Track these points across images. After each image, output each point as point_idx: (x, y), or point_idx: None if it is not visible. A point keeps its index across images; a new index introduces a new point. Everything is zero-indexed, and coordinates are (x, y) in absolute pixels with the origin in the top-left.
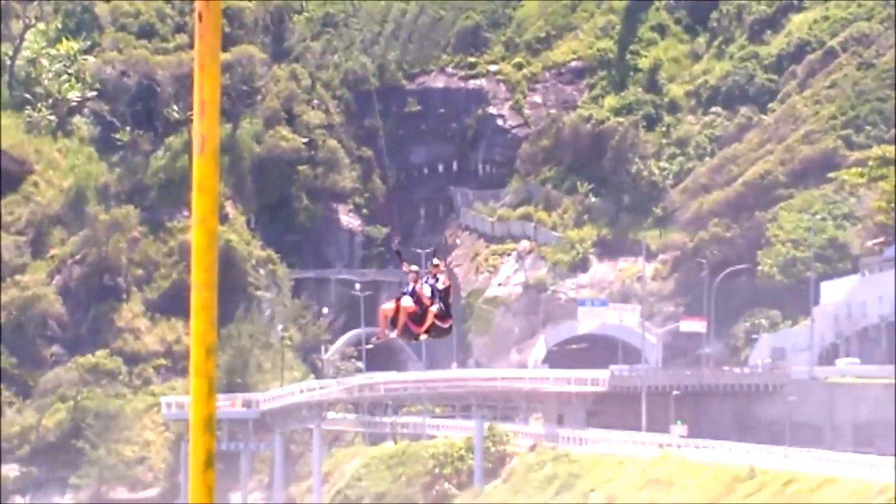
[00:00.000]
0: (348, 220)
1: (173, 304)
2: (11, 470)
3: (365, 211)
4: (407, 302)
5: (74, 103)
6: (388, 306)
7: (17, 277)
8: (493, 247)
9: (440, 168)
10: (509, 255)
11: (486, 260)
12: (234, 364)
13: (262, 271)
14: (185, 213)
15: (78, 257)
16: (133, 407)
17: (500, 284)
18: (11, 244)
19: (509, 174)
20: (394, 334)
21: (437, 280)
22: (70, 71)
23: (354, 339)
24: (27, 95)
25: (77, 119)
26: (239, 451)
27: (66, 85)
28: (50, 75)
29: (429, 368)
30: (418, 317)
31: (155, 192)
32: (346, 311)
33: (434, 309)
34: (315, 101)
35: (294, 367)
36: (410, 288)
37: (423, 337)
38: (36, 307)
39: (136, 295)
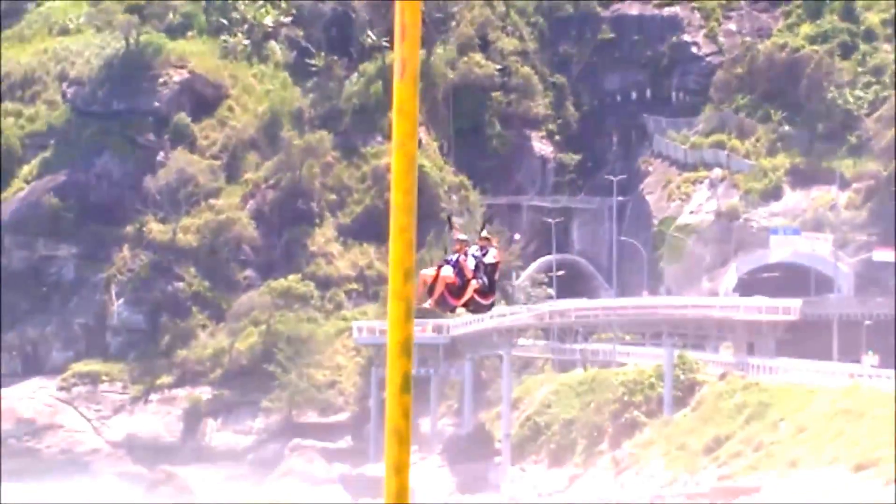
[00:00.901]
0: (541, 146)
1: (366, 230)
2: (204, 392)
3: (557, 138)
4: (447, 272)
5: (269, 29)
6: (428, 272)
7: (212, 201)
8: (686, 174)
9: (633, 95)
10: (702, 182)
11: (679, 188)
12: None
13: (454, 197)
14: (379, 139)
15: (272, 182)
16: (324, 331)
17: (692, 212)
18: (206, 168)
19: (703, 102)
20: (428, 304)
21: (485, 253)
22: None
23: (545, 266)
24: (223, 21)
25: (272, 44)
26: (429, 376)
27: (262, 10)
28: (246, 1)
29: (620, 296)
30: (457, 289)
31: (349, 117)
32: (537, 237)
33: (475, 284)
34: (509, 28)
35: None
36: (455, 258)
37: (460, 310)
38: (230, 231)
39: (329, 220)
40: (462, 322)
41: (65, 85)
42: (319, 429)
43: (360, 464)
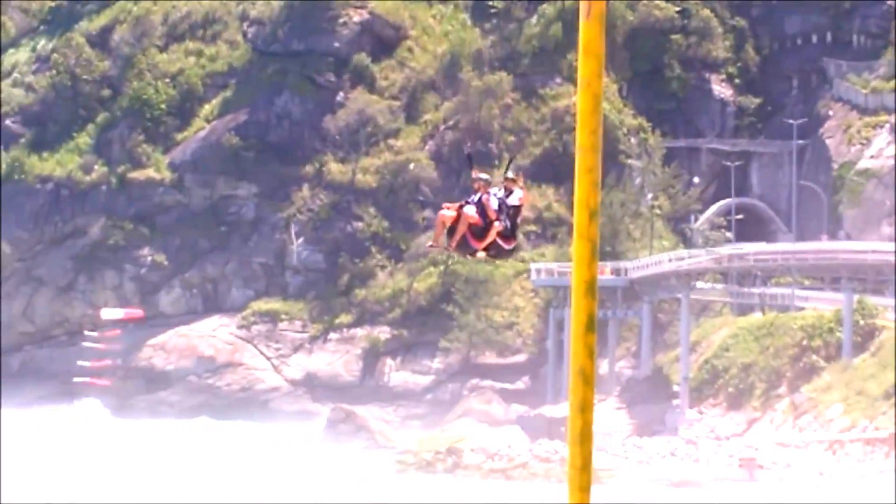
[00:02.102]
0: (720, 89)
1: (544, 171)
2: (383, 332)
3: (737, 81)
4: (470, 211)
5: None
6: (447, 213)
7: (391, 142)
8: (866, 119)
9: (814, 39)
10: (882, 127)
11: (859, 132)
12: (604, 231)
13: (633, 140)
14: (558, 80)
15: (450, 123)
16: (502, 273)
17: (872, 157)
18: (386, 108)
19: (884, 45)
20: (448, 246)
21: (509, 194)
22: None
23: (724, 209)
24: None
25: None
26: (607, 318)
27: None
28: None
29: (799, 240)
30: (480, 231)
31: (528, 58)
32: (716, 180)
33: (498, 226)
34: None
35: (663, 236)
36: (476, 198)
37: (481, 254)
38: (408, 171)
39: (507, 162)
40: (641, 264)
41: (245, 25)
42: (497, 370)
43: (537, 405)
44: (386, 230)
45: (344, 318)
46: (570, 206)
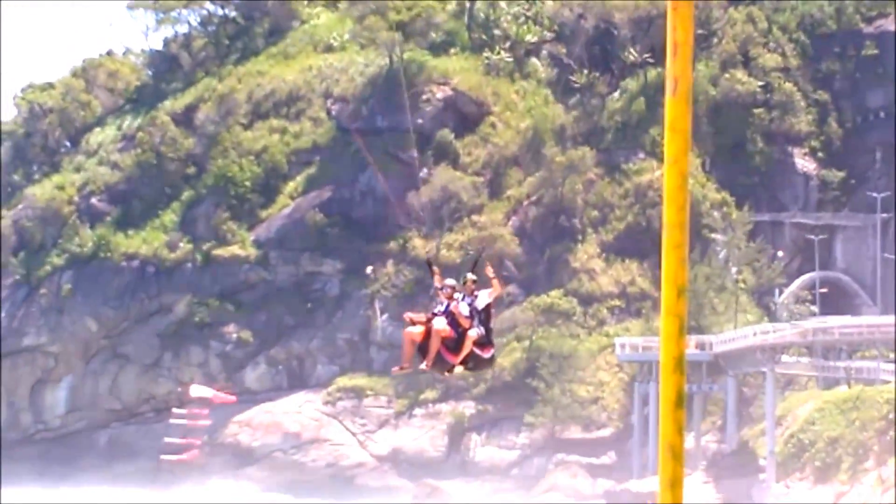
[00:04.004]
0: (803, 163)
1: (628, 246)
2: (468, 408)
3: (820, 154)
4: (440, 324)
5: (531, 45)
6: (414, 330)
7: (475, 217)
8: None
9: None
10: None
11: None
12: (688, 306)
13: (716, 214)
14: (641, 155)
15: (534, 198)
16: (587, 347)
17: None
18: (469, 185)
19: None
20: (423, 366)
21: (474, 297)
22: (528, 13)
23: (808, 283)
24: (485, 38)
25: (534, 61)
26: (692, 393)
27: (524, 27)
28: (508, 18)
29: (883, 313)
30: (453, 343)
31: (611, 134)
32: (800, 254)
33: (473, 334)
34: (771, 44)
35: (748, 310)
36: (444, 307)
37: (459, 370)
38: (492, 247)
39: (592, 236)
40: (726, 338)
41: (329, 102)
42: (583, 444)
43: (623, 479)
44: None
45: (429, 394)
46: (655, 281)
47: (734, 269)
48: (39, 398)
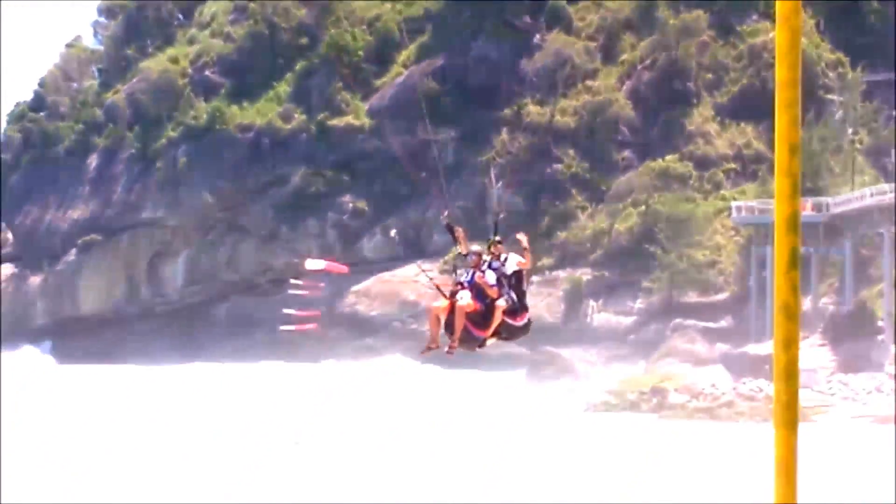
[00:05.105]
0: None
1: (743, 109)
2: (585, 273)
3: None
4: (465, 299)
5: None
6: (439, 304)
7: (588, 83)
8: None
9: None
10: None
11: None
12: (804, 168)
13: (832, 75)
14: (755, 17)
15: (648, 62)
16: (703, 211)
17: None
18: (582, 49)
19: None
20: (448, 350)
21: (503, 262)
22: None
23: None
24: None
25: None
26: (809, 255)
27: None
28: None
29: None
30: (482, 317)
31: None
32: None
33: (502, 303)
34: None
35: (864, 171)
36: (469, 276)
37: (491, 341)
38: (607, 112)
39: (706, 99)
40: (842, 200)
41: None
42: (700, 308)
43: (741, 343)
44: (585, 171)
45: (545, 261)
46: (770, 143)
47: (850, 130)
48: (158, 272)
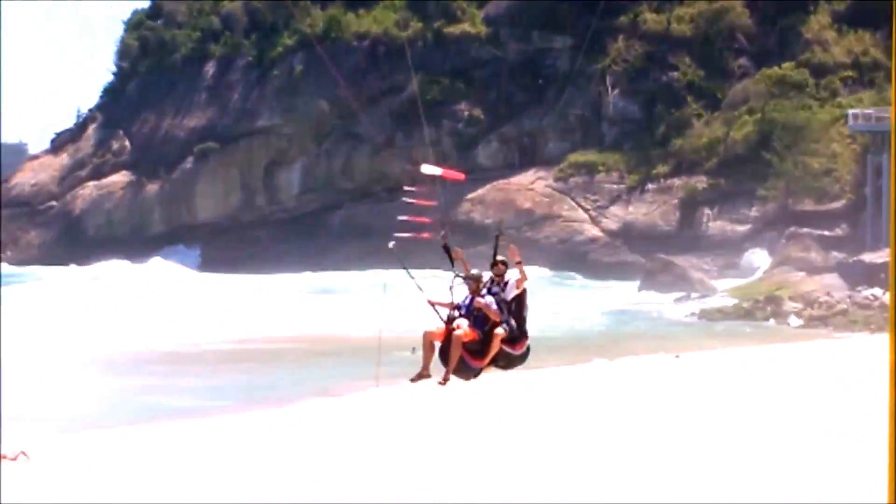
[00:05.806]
0: None
1: (861, 16)
2: (700, 181)
3: None
4: (462, 328)
5: None
6: (434, 330)
7: None
8: None
9: None
10: None
11: None
12: None
13: None
14: None
15: None
16: (819, 119)
17: None
18: None
19: None
20: (441, 381)
21: (504, 285)
22: None
23: None
24: None
25: None
26: None
27: None
28: None
29: None
30: (479, 345)
31: None
32: None
33: (500, 332)
34: None
35: None
36: (467, 300)
37: (489, 369)
38: (724, 20)
39: (823, 6)
40: None
41: None
42: (815, 217)
43: (856, 251)
44: (702, 79)
45: (661, 169)
46: (888, 51)
47: None
48: (273, 180)
